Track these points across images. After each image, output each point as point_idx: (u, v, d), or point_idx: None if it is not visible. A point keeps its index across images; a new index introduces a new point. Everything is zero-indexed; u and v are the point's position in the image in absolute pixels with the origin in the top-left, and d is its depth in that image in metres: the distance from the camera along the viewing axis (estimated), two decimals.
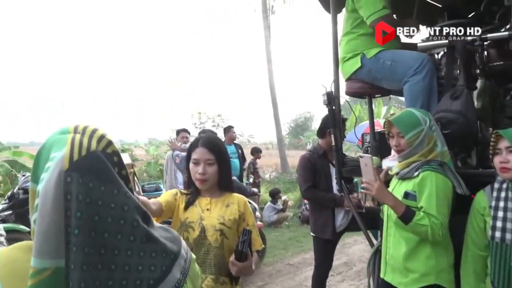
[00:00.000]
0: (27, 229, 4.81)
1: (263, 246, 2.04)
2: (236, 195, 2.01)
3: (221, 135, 8.07)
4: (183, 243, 0.98)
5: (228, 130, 7.39)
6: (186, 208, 1.93)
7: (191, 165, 1.93)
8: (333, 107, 2.94)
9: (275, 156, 18.18)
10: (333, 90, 2.95)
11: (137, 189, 4.66)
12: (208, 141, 1.94)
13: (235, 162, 7.09)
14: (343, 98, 3.08)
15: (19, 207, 5.01)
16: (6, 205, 5.05)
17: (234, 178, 5.01)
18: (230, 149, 7.17)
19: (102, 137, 0.89)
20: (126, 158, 5.63)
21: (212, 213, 1.91)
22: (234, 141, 7.37)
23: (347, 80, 2.89)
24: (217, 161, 1.90)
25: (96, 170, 0.83)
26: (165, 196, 1.96)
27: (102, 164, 0.84)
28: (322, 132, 3.51)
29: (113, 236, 0.81)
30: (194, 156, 1.91)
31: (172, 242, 0.93)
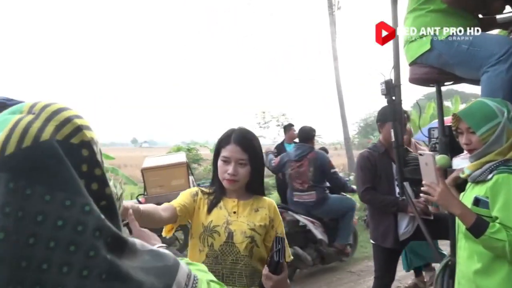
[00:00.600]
0: None
1: (292, 257, 1.80)
2: (266, 199, 1.77)
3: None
4: (182, 273, 0.73)
5: (288, 128, 7.12)
6: (209, 210, 1.71)
7: (219, 162, 1.70)
8: (393, 98, 2.56)
9: (343, 157, 17.57)
10: (392, 77, 2.57)
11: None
12: (242, 137, 1.68)
13: None
14: (407, 90, 2.67)
15: None
16: None
17: (335, 170, 4.84)
18: (291, 148, 6.90)
19: (67, 120, 0.64)
20: (181, 157, 5.59)
21: (240, 217, 1.68)
22: (295, 140, 7.08)
23: (411, 64, 2.48)
24: (250, 162, 1.66)
25: (41, 169, 0.58)
26: (182, 197, 1.74)
27: (53, 160, 0.59)
28: (378, 125, 3.14)
29: (56, 269, 0.57)
30: (224, 153, 1.68)
31: (158, 277, 0.67)
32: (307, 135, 4.94)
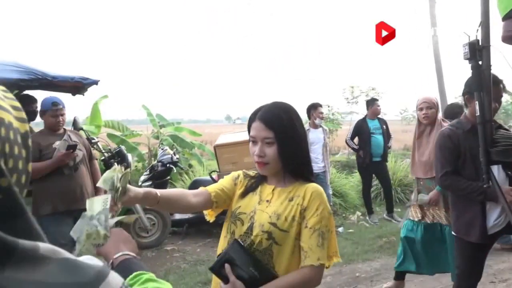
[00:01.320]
0: None
1: (324, 262, 1.43)
2: (311, 185, 1.48)
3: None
4: None
5: (371, 103, 6.60)
6: (244, 194, 1.55)
7: (250, 143, 1.50)
8: (479, 62, 2.08)
9: None
10: (479, 37, 2.09)
11: None
12: (267, 112, 1.45)
13: (378, 138, 6.32)
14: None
15: (157, 178, 5.30)
16: (146, 176, 5.41)
17: None
18: (374, 124, 6.42)
19: None
20: None
21: (269, 208, 1.47)
22: (378, 116, 6.55)
23: (506, 18, 1.98)
24: (277, 140, 1.42)
25: None
26: (223, 181, 1.61)
27: None
28: (465, 98, 2.61)
29: None
30: (251, 132, 1.48)
31: None
32: (452, 111, 4.87)
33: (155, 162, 5.61)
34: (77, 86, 4.41)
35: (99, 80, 4.31)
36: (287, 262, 1.42)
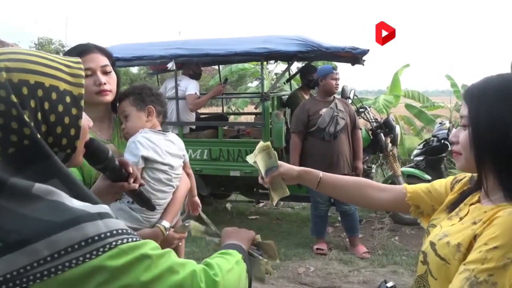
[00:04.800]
0: (428, 177, 4.68)
1: None
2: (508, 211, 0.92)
3: None
4: (68, 237, 0.65)
5: None
6: (454, 203, 1.12)
7: None
8: None
9: None
10: None
11: None
12: (472, 85, 1.03)
13: None
14: None
15: (431, 154, 4.92)
16: (419, 150, 5.10)
17: None
18: None
19: None
20: None
21: (451, 227, 1.04)
22: None
23: None
24: (471, 121, 0.97)
25: None
26: (436, 182, 1.25)
27: None
28: None
29: None
30: None
31: (26, 228, 0.65)
32: None
33: (431, 136, 5.21)
34: (353, 56, 4.55)
35: (368, 50, 4.32)
36: None
